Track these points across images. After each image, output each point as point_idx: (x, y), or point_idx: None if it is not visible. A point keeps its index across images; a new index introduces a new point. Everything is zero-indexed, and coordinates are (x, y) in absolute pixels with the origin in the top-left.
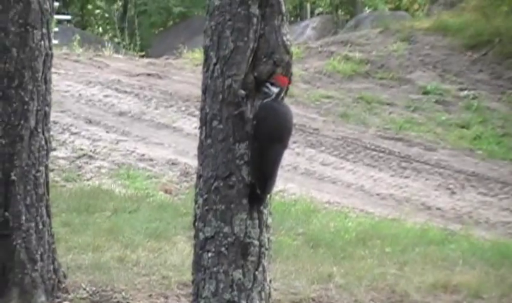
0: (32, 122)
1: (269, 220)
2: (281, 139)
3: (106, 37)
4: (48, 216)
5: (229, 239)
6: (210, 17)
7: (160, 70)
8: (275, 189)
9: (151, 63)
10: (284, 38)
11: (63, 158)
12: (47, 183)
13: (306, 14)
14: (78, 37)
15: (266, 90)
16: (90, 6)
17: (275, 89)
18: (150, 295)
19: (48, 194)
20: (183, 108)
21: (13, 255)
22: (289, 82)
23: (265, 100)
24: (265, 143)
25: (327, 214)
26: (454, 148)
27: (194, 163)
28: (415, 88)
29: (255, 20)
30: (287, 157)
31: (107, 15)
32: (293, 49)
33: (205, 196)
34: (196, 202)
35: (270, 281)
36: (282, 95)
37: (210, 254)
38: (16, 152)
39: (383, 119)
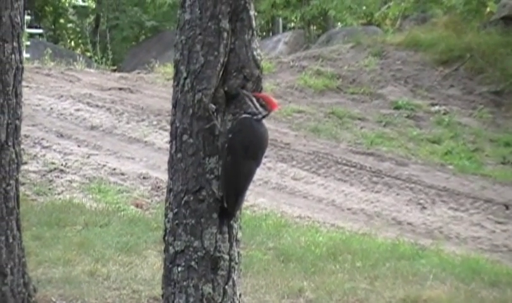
0: (2, 136)
1: (239, 234)
2: (255, 156)
3: (78, 51)
4: (19, 229)
5: (199, 253)
6: (180, 32)
7: (131, 84)
8: (246, 204)
9: (123, 77)
10: (255, 53)
11: (34, 172)
12: (18, 196)
13: (278, 29)
14: (50, 51)
15: (253, 108)
16: (62, 20)
17: (263, 112)
18: None
19: (18, 207)
20: (155, 123)
21: None
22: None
23: (245, 115)
24: (238, 158)
25: (298, 229)
26: (425, 163)
27: (165, 177)
28: (387, 103)
29: (225, 34)
30: (259, 171)
31: (79, 29)
32: (265, 64)
33: (175, 210)
34: (166, 216)
35: (240, 295)
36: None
37: (180, 268)
38: None
39: (354, 134)
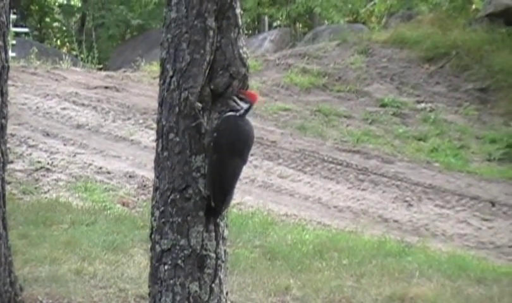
0: None
1: (226, 232)
2: (241, 154)
3: (64, 50)
4: (5, 228)
5: (186, 252)
6: (166, 30)
7: (117, 83)
8: (232, 202)
9: (109, 76)
10: (241, 51)
11: (20, 171)
12: (4, 195)
13: (264, 27)
14: (36, 50)
15: (233, 104)
16: (48, 19)
17: (244, 105)
18: None
19: (4, 206)
20: (141, 121)
21: None
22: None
23: (229, 113)
24: (224, 156)
25: (285, 227)
26: (412, 161)
27: (151, 175)
28: (373, 101)
29: (211, 33)
30: (245, 169)
31: (65, 28)
32: (251, 62)
33: (162, 209)
34: (152, 214)
35: (227, 293)
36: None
37: (166, 267)
38: None
39: (340, 132)
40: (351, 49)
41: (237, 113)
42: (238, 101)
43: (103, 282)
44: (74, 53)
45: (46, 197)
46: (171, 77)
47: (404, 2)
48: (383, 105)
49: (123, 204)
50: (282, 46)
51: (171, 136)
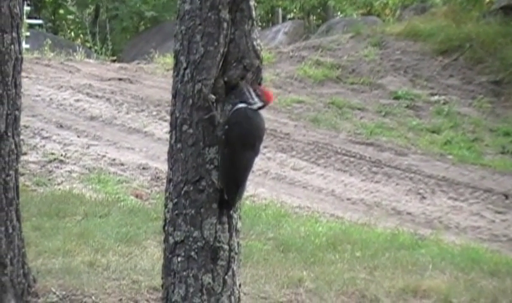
0: (2, 126)
1: (239, 224)
2: (253, 146)
3: (78, 42)
4: (18, 220)
5: (199, 243)
6: (180, 22)
7: (131, 75)
8: (245, 194)
9: (122, 68)
10: (255, 43)
11: (34, 162)
12: (17, 187)
13: (278, 19)
14: (49, 42)
15: (248, 96)
16: (61, 11)
17: (258, 103)
18: (120, 300)
19: (18, 198)
20: (154, 113)
21: None
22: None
23: (240, 106)
24: (236, 149)
25: (298, 219)
26: (425, 153)
27: (165, 167)
28: (386, 93)
29: (225, 25)
30: (258, 162)
31: (78, 20)
32: (265, 54)
33: (175, 200)
34: (166, 206)
35: (240, 285)
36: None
37: (179, 259)
38: None
39: (354, 124)
40: (364, 42)
41: (249, 107)
42: (254, 95)
43: (117, 274)
44: (88, 45)
45: (59, 189)
46: (185, 69)
47: None
48: (396, 98)
49: (136, 196)
50: (295, 38)
51: (185, 127)
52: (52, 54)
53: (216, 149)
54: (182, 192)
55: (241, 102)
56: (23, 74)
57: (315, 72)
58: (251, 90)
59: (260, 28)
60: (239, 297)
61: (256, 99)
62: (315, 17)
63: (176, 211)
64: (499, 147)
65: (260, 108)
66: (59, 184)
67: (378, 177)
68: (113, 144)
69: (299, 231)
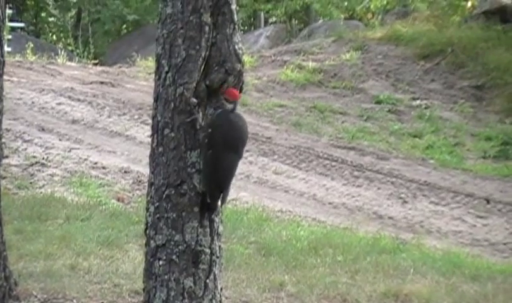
0: None
1: (220, 228)
2: (236, 150)
3: (60, 45)
4: (0, 223)
5: (180, 247)
6: (162, 26)
7: (113, 78)
8: (228, 198)
9: (104, 71)
10: (236, 47)
11: (15, 166)
12: None
13: (260, 23)
14: (31, 45)
15: (222, 106)
16: (43, 14)
17: (229, 105)
18: None
19: None
20: (136, 117)
21: None
22: (240, 91)
23: (221, 110)
24: (219, 152)
25: (279, 223)
26: (407, 157)
27: (146, 171)
28: (368, 97)
29: (206, 28)
30: (240, 166)
31: (60, 23)
32: (247, 58)
33: (157, 204)
34: (147, 210)
35: (222, 289)
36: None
37: (161, 262)
38: None
39: (336, 128)
40: (346, 46)
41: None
42: (225, 103)
43: (98, 277)
44: (69, 48)
45: (41, 192)
46: (167, 72)
47: None
48: (378, 102)
49: (118, 200)
50: (277, 42)
51: (166, 131)
52: (34, 57)
53: (198, 153)
54: (164, 195)
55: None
56: (5, 77)
57: (297, 76)
58: (222, 101)
59: (242, 32)
60: (220, 301)
61: (227, 104)
62: (297, 21)
63: (158, 215)
64: (480, 151)
65: (234, 108)
66: (40, 187)
67: (360, 181)
68: (95, 148)
69: (280, 235)
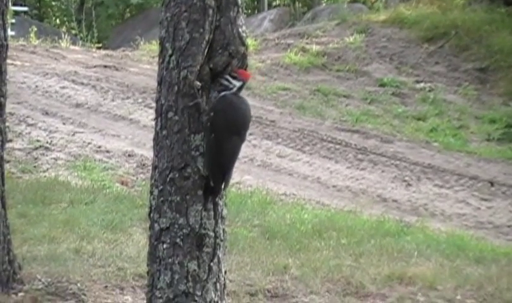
0: None
1: (224, 211)
2: (238, 133)
3: (63, 29)
4: (4, 207)
5: (184, 230)
6: (165, 9)
7: (117, 62)
8: (231, 181)
9: (108, 55)
10: (240, 30)
11: (19, 150)
12: (2, 174)
13: (263, 7)
14: (35, 29)
15: (226, 83)
16: None
17: (237, 83)
18: (106, 286)
19: (3, 185)
20: (140, 100)
21: None
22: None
23: (224, 92)
24: (222, 136)
25: (283, 206)
26: (411, 140)
27: (150, 154)
28: (372, 81)
29: (210, 11)
30: (244, 149)
31: (64, 7)
32: (250, 41)
33: (161, 187)
34: (151, 193)
35: (226, 272)
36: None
37: (165, 245)
38: None
39: (339, 111)
40: (350, 29)
41: (231, 91)
42: (231, 79)
43: (102, 261)
44: (73, 32)
45: (45, 176)
46: (170, 56)
47: None
48: (382, 85)
49: (122, 183)
50: (281, 25)
51: (170, 114)
52: (37, 41)
53: (201, 136)
54: (168, 179)
55: (223, 90)
56: (9, 61)
57: (300, 60)
58: (227, 76)
59: (245, 15)
60: (224, 284)
61: (233, 81)
62: (300, 5)
63: (162, 198)
64: (484, 134)
65: (240, 88)
66: (44, 171)
67: (364, 164)
68: (99, 132)
69: (284, 219)
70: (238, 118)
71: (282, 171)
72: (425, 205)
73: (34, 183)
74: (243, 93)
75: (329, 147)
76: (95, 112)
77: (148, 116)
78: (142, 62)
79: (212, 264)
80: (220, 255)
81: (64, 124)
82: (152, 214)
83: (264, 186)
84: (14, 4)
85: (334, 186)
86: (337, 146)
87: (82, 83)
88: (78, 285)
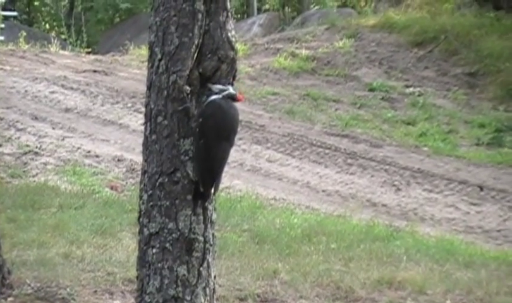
0: None
1: (214, 216)
2: (227, 138)
3: (53, 34)
4: None
5: (174, 235)
6: (155, 13)
7: (106, 67)
8: (221, 186)
9: (97, 60)
10: (229, 34)
11: (9, 154)
12: None
13: (253, 11)
14: (24, 33)
15: (222, 88)
16: (36, 3)
17: (231, 88)
18: (95, 291)
19: None
20: (129, 105)
21: None
22: (233, 79)
23: (214, 97)
24: (211, 140)
25: (273, 211)
26: (400, 145)
27: (140, 159)
28: (361, 85)
29: (199, 16)
30: (233, 154)
31: (53, 12)
32: (240, 46)
33: (150, 192)
34: (141, 198)
35: (215, 277)
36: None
37: (154, 250)
38: None
39: (329, 116)
40: (339, 33)
41: (223, 94)
42: (223, 85)
43: (92, 266)
44: (63, 37)
45: (34, 181)
46: (160, 60)
47: None
48: (371, 90)
49: (111, 188)
50: (270, 30)
51: (159, 119)
52: (26, 46)
53: (191, 141)
54: (157, 183)
55: (214, 93)
56: None
57: (290, 64)
58: (217, 85)
59: (235, 20)
60: (214, 289)
61: (227, 85)
62: (290, 9)
63: (151, 203)
64: (473, 139)
65: (233, 98)
66: (34, 176)
67: (354, 168)
68: (88, 136)
69: (274, 223)
70: (227, 123)
71: (272, 176)
72: (415, 210)
73: (23, 188)
74: None
75: (319, 152)
76: (84, 117)
77: (137, 121)
78: (131, 66)
79: (201, 268)
80: (209, 260)
81: (53, 128)
82: (141, 219)
83: (254, 191)
84: (4, 9)
85: (323, 191)
86: (327, 151)
87: (71, 88)
88: (68, 289)
